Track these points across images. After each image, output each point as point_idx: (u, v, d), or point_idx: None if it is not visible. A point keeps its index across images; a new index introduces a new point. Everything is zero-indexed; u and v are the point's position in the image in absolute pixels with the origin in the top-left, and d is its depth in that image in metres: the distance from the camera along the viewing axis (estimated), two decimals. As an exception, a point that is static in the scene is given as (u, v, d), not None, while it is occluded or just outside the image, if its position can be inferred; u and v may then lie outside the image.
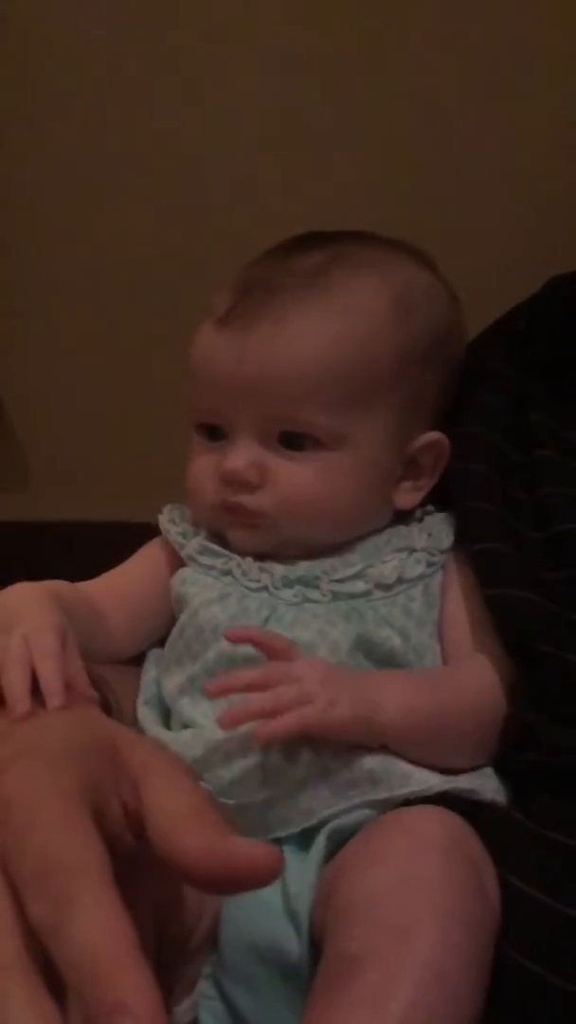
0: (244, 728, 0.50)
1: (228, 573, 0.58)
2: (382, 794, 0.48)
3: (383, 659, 0.55)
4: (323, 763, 0.49)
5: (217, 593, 0.57)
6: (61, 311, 1.09)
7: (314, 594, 0.56)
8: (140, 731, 0.56)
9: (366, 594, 0.56)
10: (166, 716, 0.57)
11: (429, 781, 0.48)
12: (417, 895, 0.41)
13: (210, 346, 0.57)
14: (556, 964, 0.43)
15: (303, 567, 0.57)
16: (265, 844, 0.32)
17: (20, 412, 1.14)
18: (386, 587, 0.56)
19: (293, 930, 0.46)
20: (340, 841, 0.48)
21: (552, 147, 0.92)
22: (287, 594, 0.56)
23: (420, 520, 0.61)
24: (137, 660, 0.61)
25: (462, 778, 0.50)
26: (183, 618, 0.58)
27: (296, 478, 0.56)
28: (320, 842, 0.48)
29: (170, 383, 1.10)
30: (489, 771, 0.52)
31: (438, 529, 0.60)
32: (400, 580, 0.56)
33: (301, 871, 0.47)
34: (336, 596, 0.56)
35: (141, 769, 0.35)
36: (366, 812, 0.48)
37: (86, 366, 1.10)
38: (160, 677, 0.59)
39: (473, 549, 0.57)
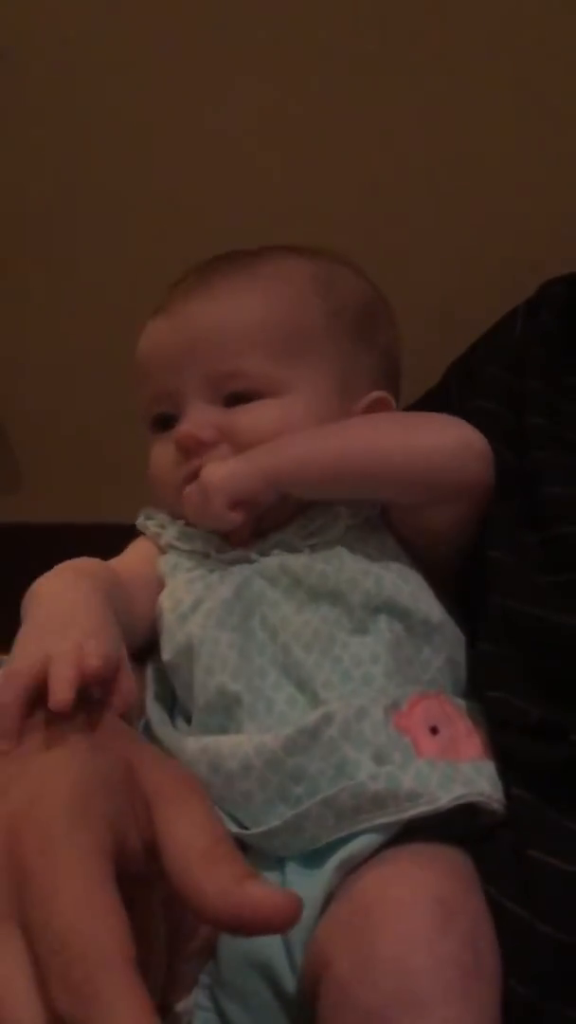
0: (248, 748, 0.49)
1: (207, 556, 0.58)
2: (390, 817, 0.46)
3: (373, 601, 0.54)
4: (325, 791, 0.47)
5: (191, 599, 0.56)
6: (56, 315, 1.09)
7: (296, 554, 0.56)
8: (148, 723, 0.55)
9: (341, 539, 0.56)
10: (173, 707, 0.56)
11: (438, 800, 0.46)
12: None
13: (151, 332, 0.62)
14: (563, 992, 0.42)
15: (273, 537, 0.57)
16: (283, 892, 0.31)
17: (14, 415, 1.14)
18: (359, 526, 0.57)
19: (286, 955, 0.45)
20: (351, 868, 0.46)
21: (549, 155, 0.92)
22: (271, 561, 0.56)
23: None
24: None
25: (468, 775, 0.48)
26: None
27: (252, 421, 0.57)
28: (327, 875, 0.46)
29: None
30: (492, 771, 0.49)
31: None
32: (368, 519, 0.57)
33: (303, 895, 0.46)
34: (314, 548, 0.56)
35: (154, 794, 0.34)
36: (373, 838, 0.46)
37: (81, 368, 1.10)
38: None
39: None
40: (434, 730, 0.49)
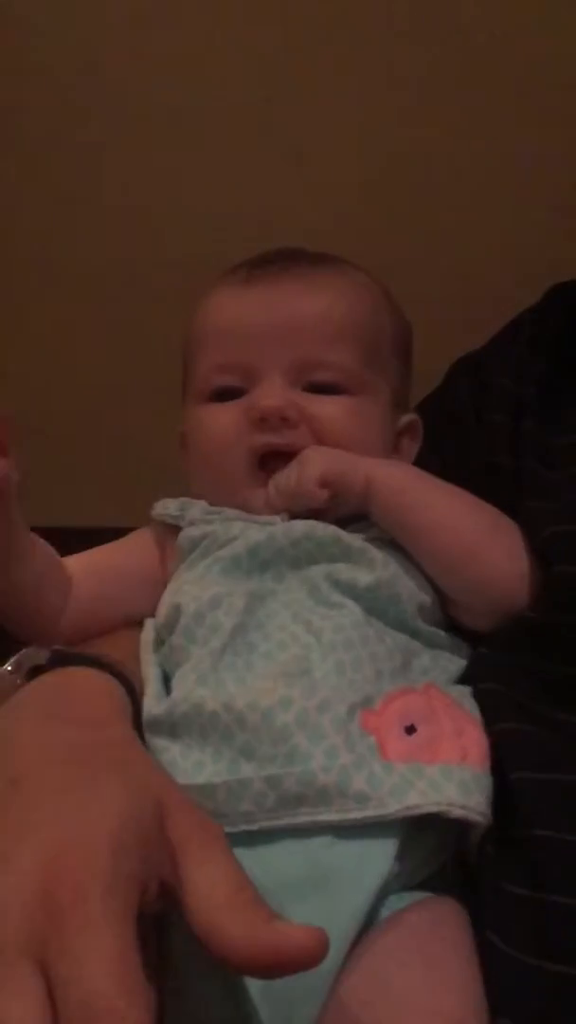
0: (215, 705, 0.47)
1: (235, 519, 0.57)
2: (332, 816, 0.44)
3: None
4: (274, 768, 0.45)
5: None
6: (59, 318, 1.09)
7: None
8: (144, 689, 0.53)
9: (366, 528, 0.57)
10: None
11: (387, 806, 0.44)
12: None
13: (236, 302, 0.60)
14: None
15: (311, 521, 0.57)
16: (307, 928, 0.31)
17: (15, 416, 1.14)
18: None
19: None
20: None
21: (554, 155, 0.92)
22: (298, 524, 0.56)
23: None
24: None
25: (434, 780, 0.45)
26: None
27: (334, 413, 0.58)
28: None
29: (166, 388, 1.11)
30: (470, 776, 0.45)
31: None
32: None
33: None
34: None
35: (180, 841, 0.34)
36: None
37: (82, 371, 1.10)
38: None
39: None
40: (411, 729, 0.47)
